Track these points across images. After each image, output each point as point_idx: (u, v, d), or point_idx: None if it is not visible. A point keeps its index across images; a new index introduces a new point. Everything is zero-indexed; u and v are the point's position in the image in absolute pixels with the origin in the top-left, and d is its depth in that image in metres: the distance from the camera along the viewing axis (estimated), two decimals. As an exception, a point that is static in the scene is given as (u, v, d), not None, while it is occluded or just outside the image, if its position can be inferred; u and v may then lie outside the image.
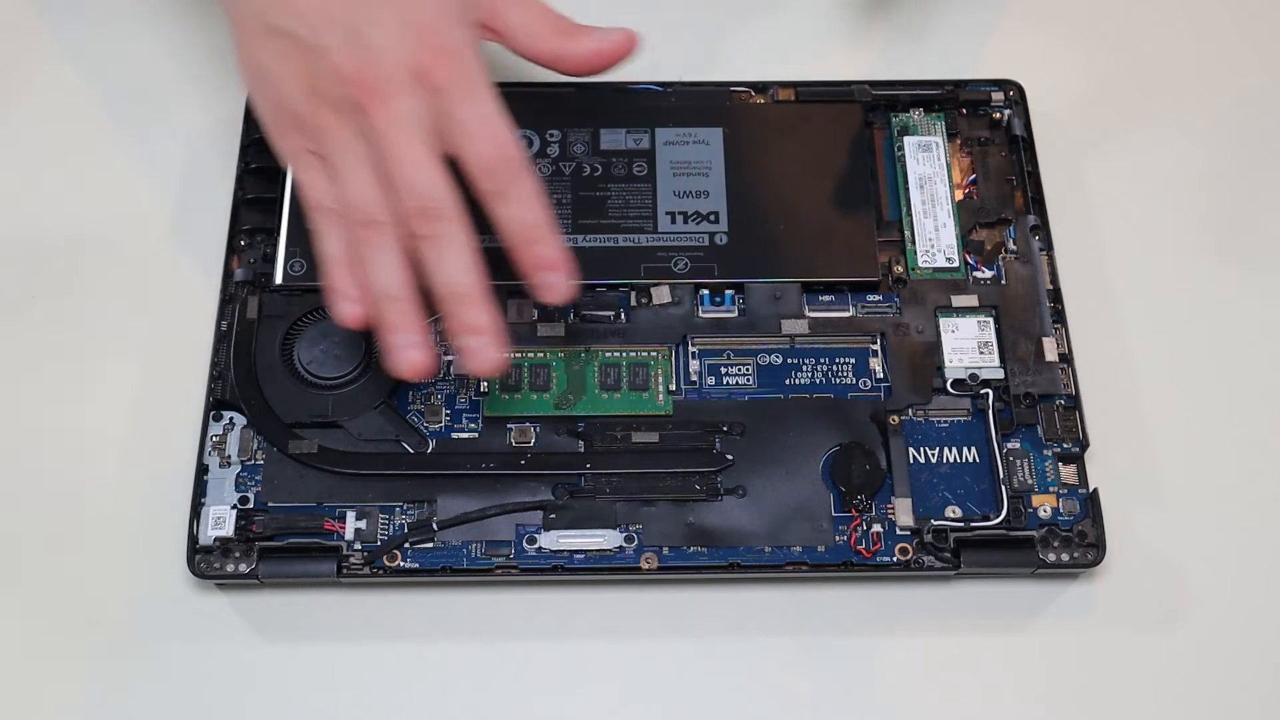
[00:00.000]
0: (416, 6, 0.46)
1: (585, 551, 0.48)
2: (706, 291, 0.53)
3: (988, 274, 0.53)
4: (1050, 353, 0.51)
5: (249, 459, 0.49)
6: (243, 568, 0.48)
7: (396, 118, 0.44)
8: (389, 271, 0.45)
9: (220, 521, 0.48)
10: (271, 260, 0.52)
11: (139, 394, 0.52)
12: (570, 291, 0.46)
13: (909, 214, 0.54)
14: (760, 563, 0.48)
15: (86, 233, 0.55)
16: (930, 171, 0.55)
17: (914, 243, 0.54)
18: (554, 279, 0.46)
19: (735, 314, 0.52)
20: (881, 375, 0.51)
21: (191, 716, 0.47)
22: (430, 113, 0.45)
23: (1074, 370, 0.51)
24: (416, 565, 0.48)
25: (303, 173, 0.46)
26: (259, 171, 0.54)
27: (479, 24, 0.48)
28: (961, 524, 0.49)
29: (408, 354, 0.45)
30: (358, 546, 0.48)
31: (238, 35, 0.48)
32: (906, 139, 0.56)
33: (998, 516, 0.49)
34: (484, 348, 0.45)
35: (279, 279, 0.52)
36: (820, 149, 0.55)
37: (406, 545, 0.48)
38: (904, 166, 0.55)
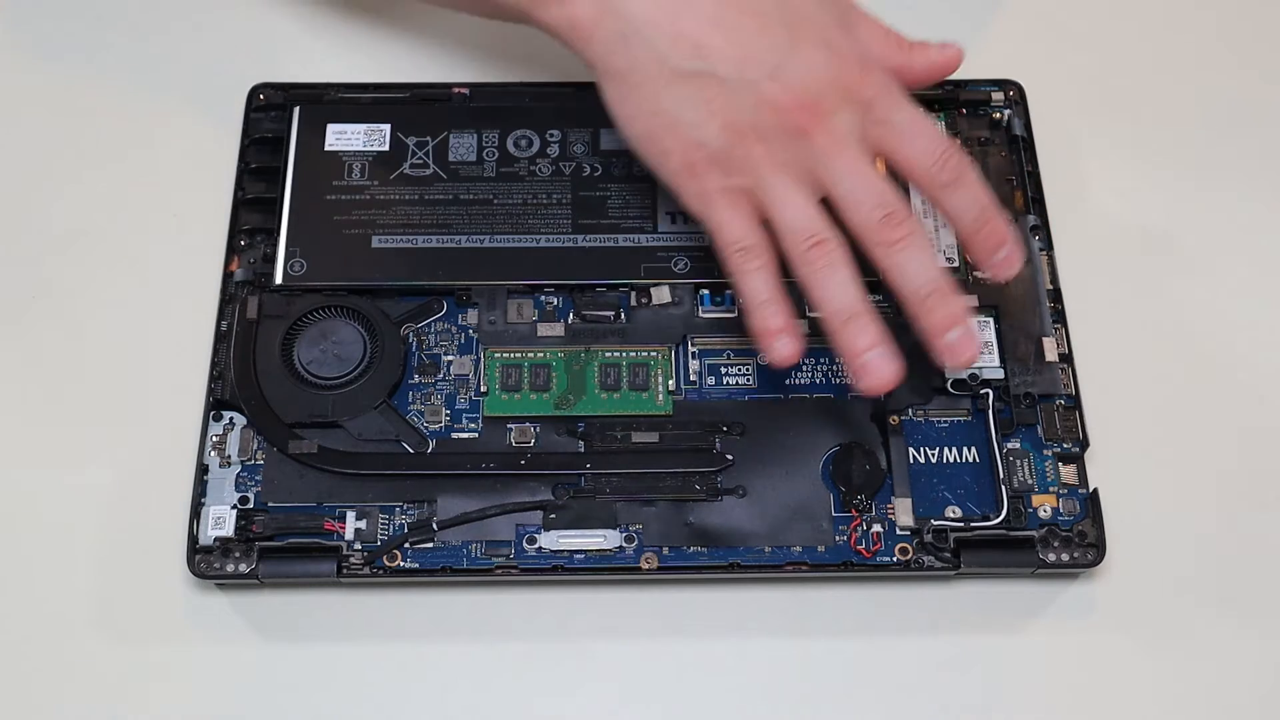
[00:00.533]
0: (826, 29, 0.47)
1: (585, 551, 0.48)
2: (706, 291, 0.53)
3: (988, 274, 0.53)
4: (1050, 353, 0.51)
5: (249, 459, 0.49)
6: (243, 568, 0.48)
7: (838, 134, 0.46)
8: (846, 288, 0.46)
9: (220, 521, 0.48)
10: (271, 260, 0.52)
11: (139, 394, 0.52)
12: (1021, 261, 0.47)
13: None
14: (760, 563, 0.48)
15: (86, 232, 0.55)
16: (930, 171, 0.55)
17: (914, 243, 0.54)
18: (1006, 254, 0.47)
19: (735, 314, 0.52)
20: (881, 375, 0.51)
21: (191, 716, 0.47)
22: (861, 126, 0.46)
23: (1074, 370, 0.51)
24: (416, 565, 0.48)
25: (722, 212, 0.47)
26: (259, 171, 0.54)
27: None
28: (961, 524, 0.49)
29: (886, 366, 0.45)
30: (358, 546, 0.48)
31: (634, 86, 0.47)
32: (906, 139, 0.56)
33: (998, 516, 0.49)
34: (962, 346, 0.46)
35: (279, 279, 0.52)
36: (820, 149, 0.55)
37: (406, 545, 0.48)
38: (904, 166, 0.55)
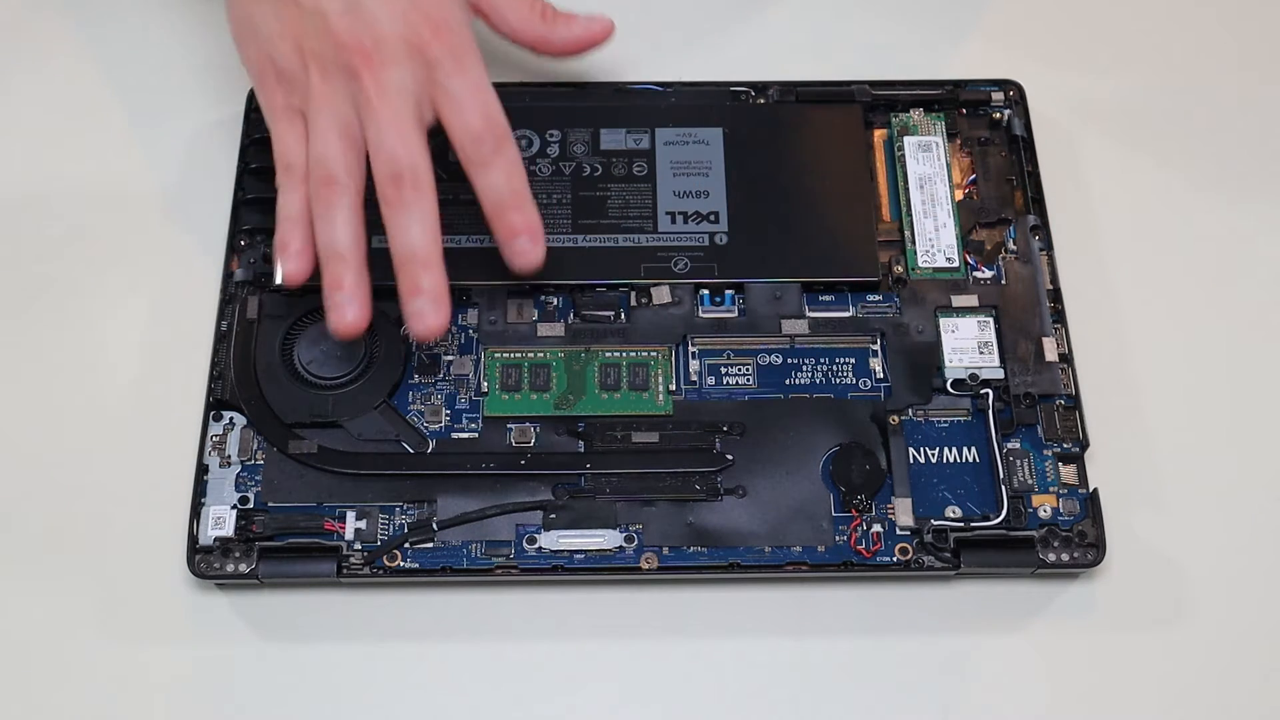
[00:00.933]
0: None
1: (585, 551, 0.48)
2: (706, 291, 0.53)
3: (988, 274, 0.53)
4: (1050, 353, 0.51)
5: (249, 459, 0.49)
6: (243, 568, 0.48)
7: (386, 85, 0.46)
8: (341, 230, 0.46)
9: (220, 521, 0.48)
10: (271, 260, 0.52)
11: (139, 394, 0.52)
12: (541, 259, 0.48)
13: (909, 214, 0.54)
14: (760, 563, 0.48)
15: (86, 232, 0.55)
16: (930, 171, 0.55)
17: (914, 243, 0.54)
18: (526, 244, 0.48)
19: (735, 314, 0.52)
20: (881, 375, 0.51)
21: (191, 716, 0.47)
22: (419, 84, 0.47)
23: (1074, 370, 0.51)
24: (416, 565, 0.48)
25: (279, 126, 0.48)
26: (259, 171, 0.54)
27: (468, 2, 0.50)
28: (961, 524, 0.49)
29: (344, 311, 0.46)
30: (358, 546, 0.48)
31: None
32: (906, 139, 0.56)
33: (998, 516, 0.49)
34: (428, 310, 0.46)
35: (279, 279, 0.52)
36: (820, 149, 0.55)
37: (406, 545, 0.48)
38: (904, 166, 0.55)
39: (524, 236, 0.48)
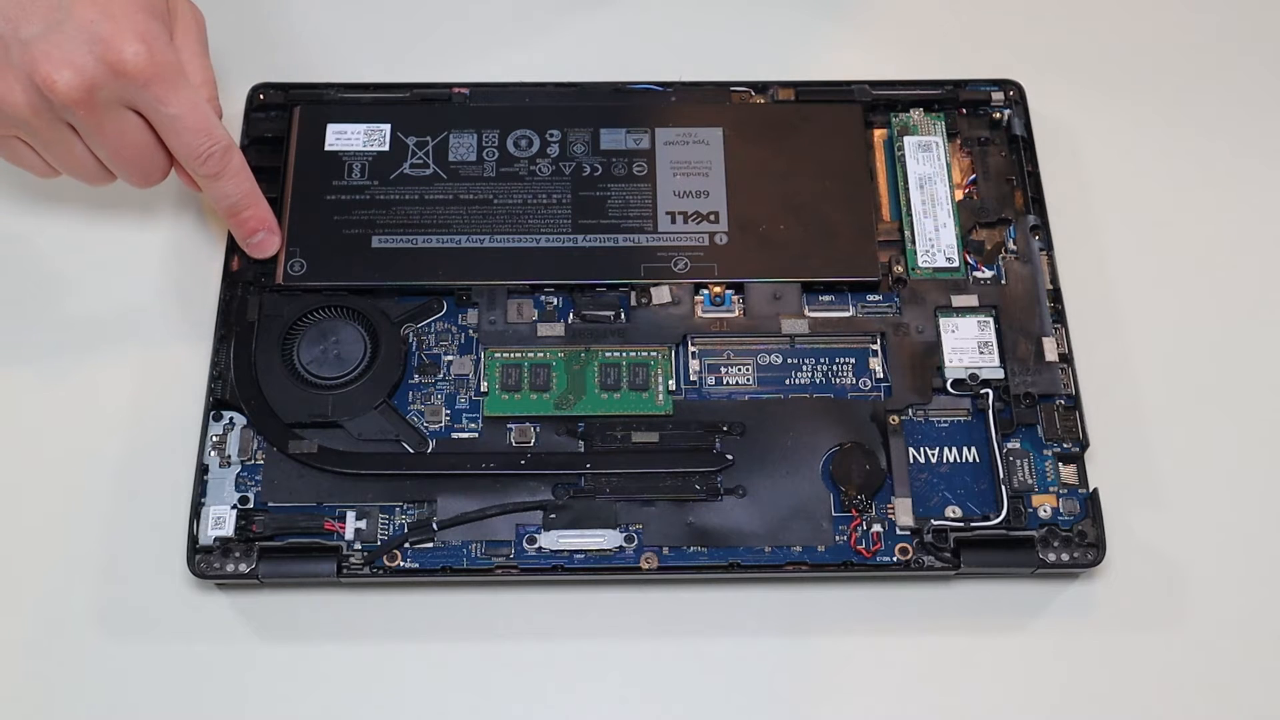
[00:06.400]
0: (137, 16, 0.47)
1: (585, 551, 0.48)
2: (706, 291, 0.53)
3: (988, 274, 0.53)
4: (1050, 353, 0.51)
5: (249, 459, 0.49)
6: (243, 568, 0.48)
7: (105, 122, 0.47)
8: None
9: (220, 521, 0.48)
10: (272, 260, 0.52)
11: (139, 394, 0.52)
12: (278, 245, 0.52)
13: (909, 214, 0.54)
14: (760, 563, 0.48)
15: (86, 232, 0.55)
16: (930, 171, 0.55)
17: (914, 243, 0.54)
18: (265, 236, 0.52)
19: (735, 314, 0.52)
20: (881, 375, 0.51)
21: (191, 716, 0.47)
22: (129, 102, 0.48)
23: (1074, 370, 0.51)
24: (416, 565, 0.48)
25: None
26: (259, 171, 0.54)
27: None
28: (961, 524, 0.49)
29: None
30: (358, 546, 0.48)
31: None
32: (906, 139, 0.56)
33: (998, 516, 0.49)
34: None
35: (279, 279, 0.52)
36: (820, 149, 0.55)
37: (406, 545, 0.48)
38: (904, 166, 0.55)
39: (261, 231, 0.52)
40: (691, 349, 0.52)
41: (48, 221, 0.56)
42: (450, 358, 0.52)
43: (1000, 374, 0.51)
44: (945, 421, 0.51)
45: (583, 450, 0.50)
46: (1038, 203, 0.55)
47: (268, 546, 0.48)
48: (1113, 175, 0.58)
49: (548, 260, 0.53)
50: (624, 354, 0.52)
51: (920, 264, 0.53)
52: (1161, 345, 0.54)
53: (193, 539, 0.48)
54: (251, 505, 0.49)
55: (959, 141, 0.56)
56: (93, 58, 0.45)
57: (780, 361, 0.52)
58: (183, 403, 0.51)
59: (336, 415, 0.50)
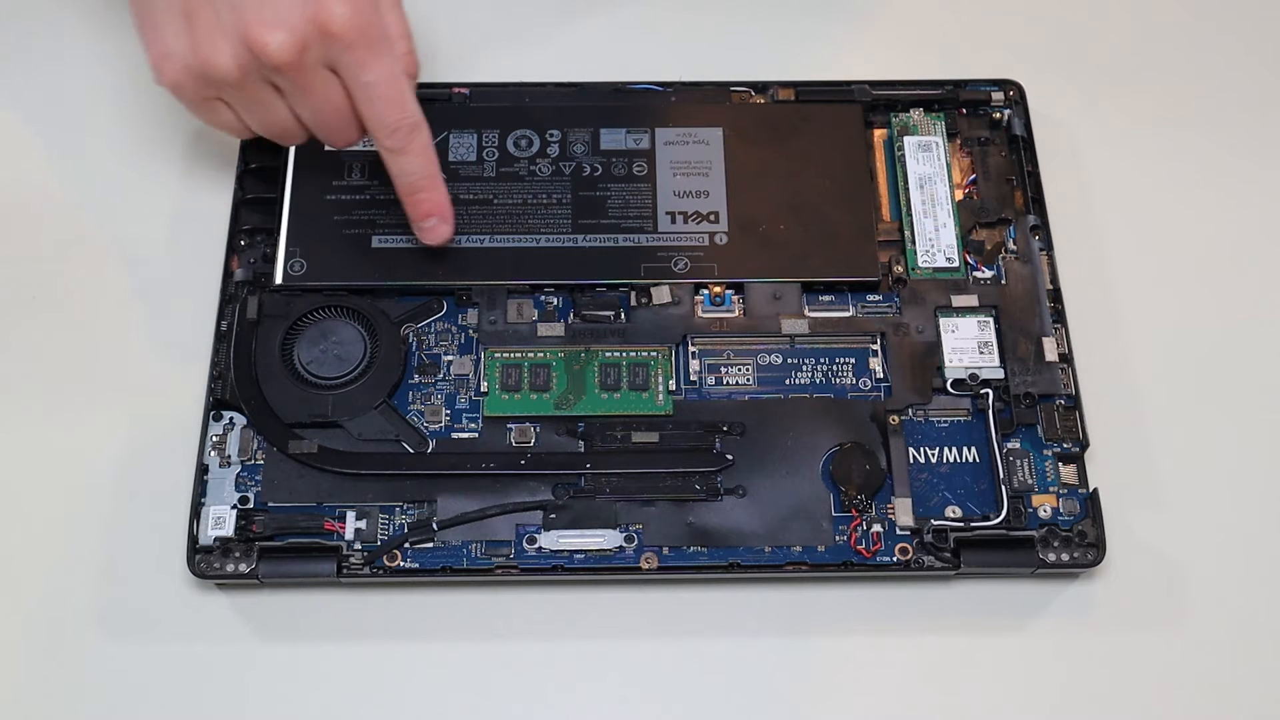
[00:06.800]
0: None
1: (585, 551, 0.48)
2: (706, 291, 0.53)
3: (988, 274, 0.53)
4: (1050, 353, 0.51)
5: (249, 459, 0.49)
6: (243, 568, 0.48)
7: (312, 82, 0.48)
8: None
9: (220, 521, 0.48)
10: (271, 260, 0.52)
11: (139, 394, 0.52)
12: (449, 236, 0.51)
13: (909, 214, 0.54)
14: (760, 563, 0.48)
15: (86, 232, 0.55)
16: (930, 171, 0.55)
17: (914, 243, 0.54)
18: (437, 223, 0.51)
19: (735, 314, 0.52)
20: (881, 375, 0.51)
21: (191, 716, 0.47)
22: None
23: (1074, 370, 0.51)
24: (416, 565, 0.48)
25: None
26: (259, 171, 0.54)
27: None
28: (961, 524, 0.49)
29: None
30: (358, 546, 0.48)
31: None
32: (906, 139, 0.56)
33: (998, 516, 0.49)
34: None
35: (279, 279, 0.52)
36: (820, 149, 0.55)
37: (406, 545, 0.48)
38: (904, 166, 0.55)
39: (435, 216, 0.51)
40: (691, 349, 0.52)
41: (48, 221, 0.56)
42: (450, 358, 0.52)
43: (1000, 374, 0.51)
44: (945, 421, 0.51)
45: (583, 450, 0.50)
46: (1038, 203, 0.55)
47: (268, 546, 0.48)
48: (1113, 175, 0.58)
49: (548, 260, 0.53)
50: (624, 354, 0.52)
51: (920, 264, 0.53)
52: (1161, 345, 0.54)
53: (193, 539, 0.48)
54: (251, 505, 0.49)
55: (959, 141, 0.56)
56: (303, 18, 0.46)
57: (780, 361, 0.52)
58: (183, 403, 0.51)
59: (336, 415, 0.50)
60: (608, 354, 0.51)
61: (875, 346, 0.52)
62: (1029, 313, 0.52)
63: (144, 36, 0.48)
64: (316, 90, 0.48)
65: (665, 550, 0.48)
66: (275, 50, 0.46)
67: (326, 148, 0.53)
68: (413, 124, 0.48)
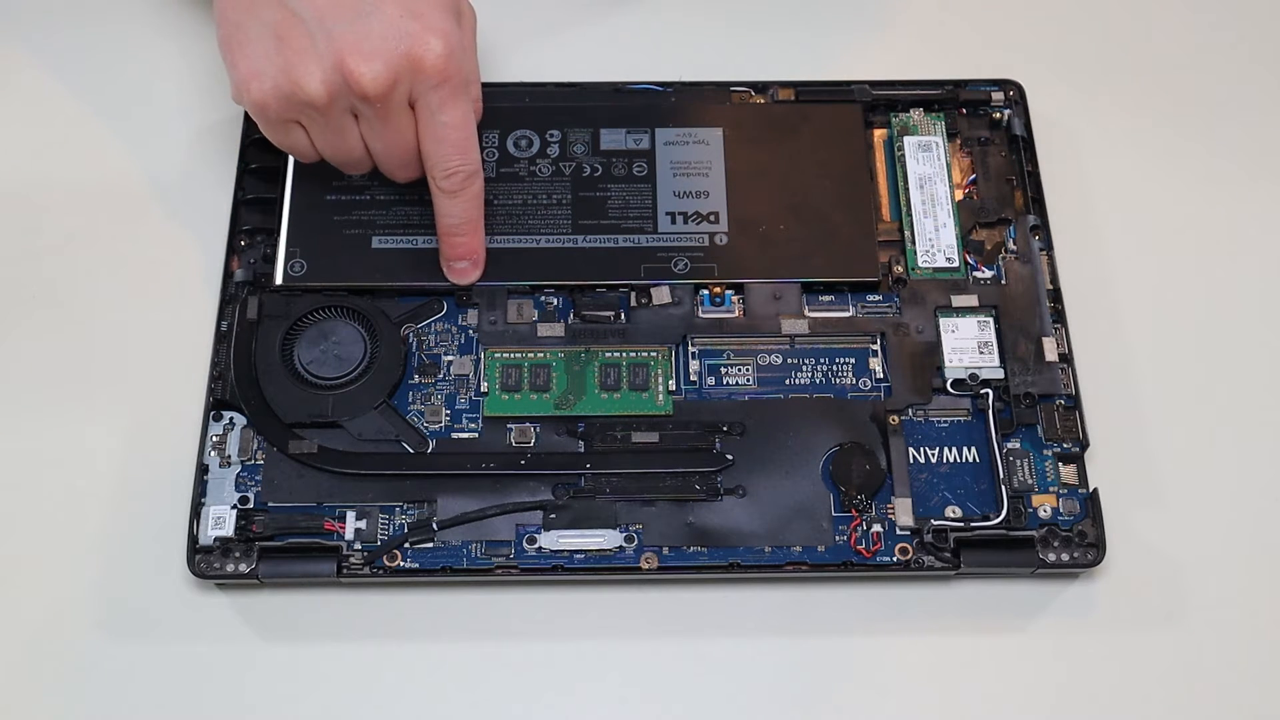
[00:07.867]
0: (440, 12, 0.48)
1: (585, 551, 0.48)
2: (706, 291, 0.53)
3: (988, 274, 0.53)
4: (1050, 353, 0.51)
5: (249, 459, 0.49)
6: (243, 568, 0.48)
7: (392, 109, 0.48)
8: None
9: (220, 521, 0.48)
10: (271, 260, 0.52)
11: (139, 394, 0.52)
12: (475, 279, 0.52)
13: (909, 214, 0.54)
14: (760, 563, 0.48)
15: (87, 232, 0.55)
16: (930, 171, 0.55)
17: (914, 243, 0.54)
18: (467, 267, 0.52)
19: (735, 314, 0.52)
20: (881, 375, 0.51)
21: (191, 716, 0.47)
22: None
23: (1074, 370, 0.51)
24: (416, 565, 0.48)
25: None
26: (259, 172, 0.54)
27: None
28: (961, 524, 0.49)
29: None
30: (358, 546, 0.48)
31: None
32: (906, 139, 0.56)
33: (998, 516, 0.49)
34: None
35: (279, 279, 0.52)
36: (820, 149, 0.55)
37: (406, 545, 0.48)
38: (904, 166, 0.55)
39: (467, 260, 0.51)
40: (691, 349, 0.52)
41: (48, 221, 0.56)
42: (450, 358, 0.52)
43: (1000, 374, 0.51)
44: (945, 421, 0.51)
45: (583, 450, 0.50)
46: (1038, 203, 0.55)
47: (268, 546, 0.48)
48: (1113, 175, 0.58)
49: (548, 260, 0.53)
50: (624, 354, 0.52)
51: (920, 264, 0.53)
52: (1161, 345, 0.54)
53: (193, 539, 0.48)
54: (251, 505, 0.49)
55: (959, 141, 0.56)
56: (399, 53, 0.46)
57: (780, 361, 0.52)
58: (183, 403, 0.51)
59: (336, 415, 0.50)
60: (608, 354, 0.51)
61: (875, 346, 0.52)
62: (1029, 313, 0.52)
63: (230, 55, 0.48)
64: (394, 124, 0.48)
65: (665, 550, 0.48)
66: (369, 81, 0.46)
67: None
68: (471, 170, 0.49)
